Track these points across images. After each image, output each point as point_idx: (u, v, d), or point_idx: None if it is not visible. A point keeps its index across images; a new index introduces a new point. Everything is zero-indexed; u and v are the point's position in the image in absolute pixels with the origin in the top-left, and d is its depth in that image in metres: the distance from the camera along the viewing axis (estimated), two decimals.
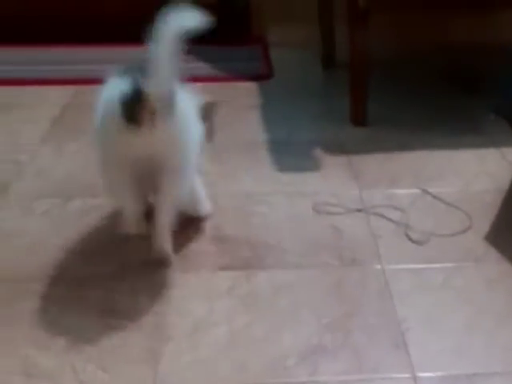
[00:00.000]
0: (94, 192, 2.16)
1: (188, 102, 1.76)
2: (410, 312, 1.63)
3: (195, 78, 2.99)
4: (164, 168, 1.70)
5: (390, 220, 1.98)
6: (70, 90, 3.00)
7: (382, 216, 2.00)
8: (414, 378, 1.46)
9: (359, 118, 2.54)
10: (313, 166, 2.28)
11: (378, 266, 1.79)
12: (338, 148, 2.37)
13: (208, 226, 1.97)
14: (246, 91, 2.90)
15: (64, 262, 1.84)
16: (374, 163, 2.28)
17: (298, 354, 1.50)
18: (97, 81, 3.00)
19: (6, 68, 3.23)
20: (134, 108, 1.62)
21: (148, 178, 1.76)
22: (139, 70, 1.67)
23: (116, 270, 1.80)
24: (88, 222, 2.01)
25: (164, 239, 1.77)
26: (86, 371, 1.47)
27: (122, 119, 1.64)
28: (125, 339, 1.56)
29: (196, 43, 3.34)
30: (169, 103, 1.65)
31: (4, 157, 2.41)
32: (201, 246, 1.89)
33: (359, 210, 2.03)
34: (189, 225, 1.98)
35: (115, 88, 1.68)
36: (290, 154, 2.36)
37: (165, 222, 1.76)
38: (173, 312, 1.65)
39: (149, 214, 1.81)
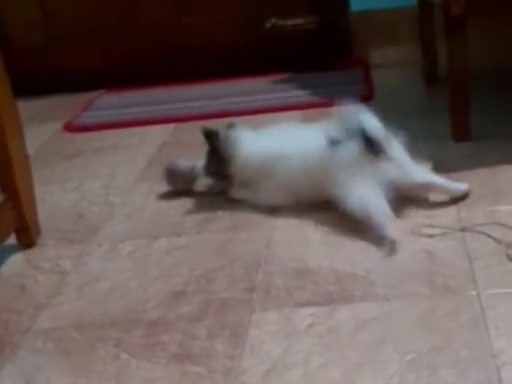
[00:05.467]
0: (179, 231, 2.09)
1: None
2: (508, 344, 1.44)
3: (296, 106, 2.94)
4: None
5: (490, 239, 1.80)
6: (169, 128, 2.97)
7: (481, 236, 1.82)
8: None
9: (461, 134, 2.37)
10: None
11: (474, 293, 1.62)
12: (437, 165, 2.19)
13: (290, 259, 1.85)
14: None
15: (143, 304, 1.76)
16: (475, 179, 2.09)
17: None
18: (195, 117, 2.99)
19: (114, 112, 3.25)
20: None
21: None
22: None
23: (197, 310, 1.71)
24: (171, 262, 1.93)
25: None
26: None
27: None
28: None
29: (296, 71, 3.30)
30: None
31: (99, 199, 2.38)
32: (283, 280, 1.77)
33: (456, 231, 1.86)
34: (271, 258, 1.87)
35: None
36: None
37: None
38: (248, 355, 1.53)
39: None
